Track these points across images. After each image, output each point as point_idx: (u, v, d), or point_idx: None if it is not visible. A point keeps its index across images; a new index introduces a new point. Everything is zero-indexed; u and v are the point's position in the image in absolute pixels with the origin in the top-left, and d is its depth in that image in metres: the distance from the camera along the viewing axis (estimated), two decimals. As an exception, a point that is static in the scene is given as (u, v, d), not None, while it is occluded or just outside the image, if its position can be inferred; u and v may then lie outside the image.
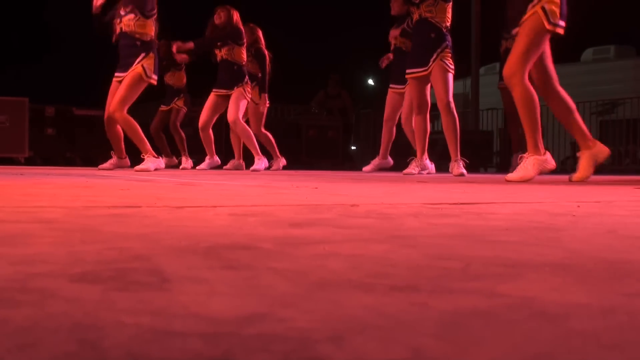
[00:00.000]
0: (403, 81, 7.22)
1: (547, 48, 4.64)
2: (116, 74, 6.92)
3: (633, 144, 13.73)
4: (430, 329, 0.55)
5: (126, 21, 6.82)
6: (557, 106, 4.78)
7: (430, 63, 6.53)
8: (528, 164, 4.52)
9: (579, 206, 2.07)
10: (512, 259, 0.94)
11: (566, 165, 14.60)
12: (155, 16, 6.94)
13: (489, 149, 14.55)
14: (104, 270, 0.80)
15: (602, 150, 4.75)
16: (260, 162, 8.32)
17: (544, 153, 4.58)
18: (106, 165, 7.20)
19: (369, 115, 15.12)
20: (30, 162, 10.79)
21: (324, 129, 13.11)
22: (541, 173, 4.58)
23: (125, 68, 6.83)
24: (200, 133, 8.47)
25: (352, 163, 13.76)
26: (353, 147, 15.45)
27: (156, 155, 7.01)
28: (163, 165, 7.21)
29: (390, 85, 7.74)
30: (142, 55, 6.76)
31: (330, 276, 0.79)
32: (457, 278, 0.79)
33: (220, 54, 8.26)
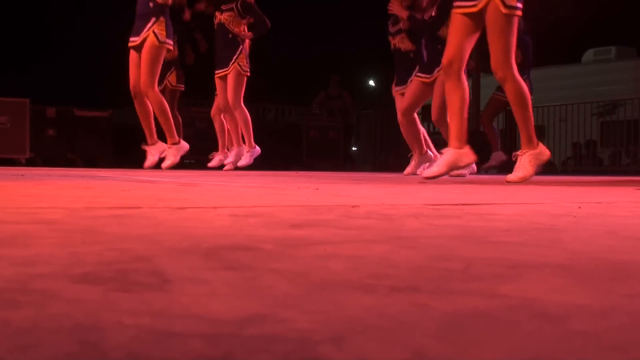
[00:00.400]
0: (404, 82, 7.18)
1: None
2: (130, 39, 6.70)
3: (634, 144, 13.73)
4: (431, 329, 0.55)
5: None
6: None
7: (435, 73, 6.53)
8: (525, 162, 4.50)
9: (579, 207, 2.07)
10: (513, 260, 0.94)
11: (567, 166, 14.60)
12: None
13: (489, 150, 14.54)
14: (105, 271, 0.80)
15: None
16: (251, 155, 7.94)
17: (537, 144, 4.55)
18: (148, 163, 6.90)
19: (369, 116, 15.13)
20: (31, 163, 10.80)
21: (324, 130, 13.12)
22: (539, 166, 4.55)
23: (137, 33, 6.62)
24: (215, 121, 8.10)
25: (353, 164, 13.77)
26: (354, 148, 15.46)
27: (178, 140, 6.79)
28: (187, 147, 6.97)
29: (394, 88, 7.61)
30: (153, 20, 6.54)
31: (331, 277, 0.79)
32: (458, 279, 0.79)
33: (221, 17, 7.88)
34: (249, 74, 7.90)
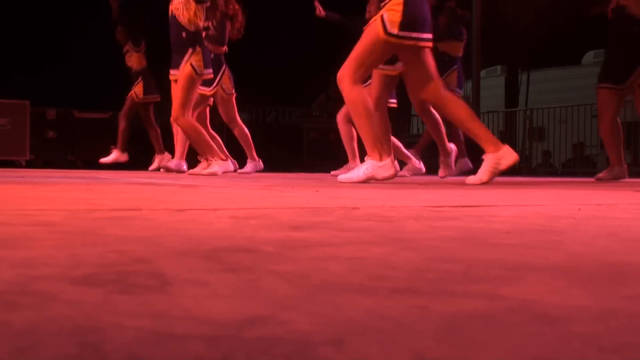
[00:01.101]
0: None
1: (429, 59, 4.48)
2: (170, 72, 6.48)
3: (634, 146, 13.72)
4: (431, 331, 0.55)
5: (176, 4, 6.26)
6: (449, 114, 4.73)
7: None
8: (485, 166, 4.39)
9: (580, 209, 2.07)
10: (513, 262, 0.94)
11: (567, 168, 14.60)
12: (208, 3, 6.34)
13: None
14: (105, 273, 0.80)
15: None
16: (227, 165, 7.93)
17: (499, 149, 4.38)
18: (197, 170, 6.53)
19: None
20: (31, 165, 10.80)
21: (325, 132, 13.11)
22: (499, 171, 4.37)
23: (175, 66, 6.37)
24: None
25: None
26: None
27: (224, 158, 6.48)
28: (231, 168, 6.64)
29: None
30: (190, 51, 6.24)
31: (331, 279, 0.79)
32: (458, 281, 0.79)
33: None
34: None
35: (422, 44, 4.38)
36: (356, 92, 4.34)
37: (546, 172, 14.15)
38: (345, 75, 4.34)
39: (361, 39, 4.40)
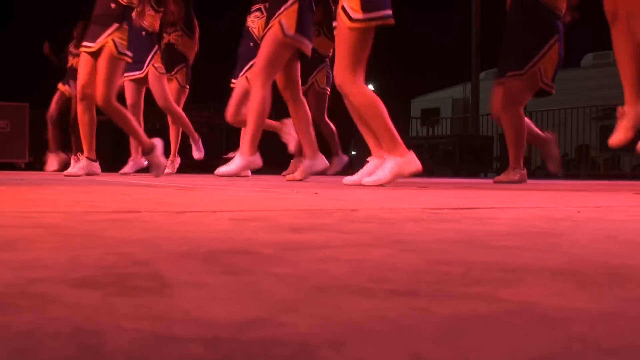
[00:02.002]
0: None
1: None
2: (83, 43, 5.83)
3: (633, 150, 13.73)
4: (430, 333, 0.55)
5: None
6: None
7: None
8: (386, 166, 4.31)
9: (579, 211, 2.07)
10: (513, 264, 0.94)
11: (567, 170, 14.60)
12: None
13: (489, 154, 14.55)
14: (104, 276, 0.80)
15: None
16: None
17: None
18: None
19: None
20: (30, 167, 10.80)
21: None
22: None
23: (93, 38, 5.72)
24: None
25: (352, 168, 13.76)
26: (353, 152, 15.45)
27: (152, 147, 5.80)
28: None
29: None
30: (115, 26, 5.65)
31: (330, 281, 0.79)
32: (458, 283, 0.79)
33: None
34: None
35: (390, 21, 4.32)
36: (362, 94, 4.31)
37: (545, 175, 14.16)
38: (344, 81, 4.30)
39: (337, 40, 4.39)
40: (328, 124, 7.99)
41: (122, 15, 5.68)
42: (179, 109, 7.83)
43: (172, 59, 8.05)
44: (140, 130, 5.98)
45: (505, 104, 5.67)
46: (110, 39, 5.62)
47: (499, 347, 0.52)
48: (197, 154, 8.07)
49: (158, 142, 5.89)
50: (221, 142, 10.51)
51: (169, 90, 7.69)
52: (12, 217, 1.62)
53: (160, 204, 2.18)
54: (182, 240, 1.16)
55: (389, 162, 4.22)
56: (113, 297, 0.68)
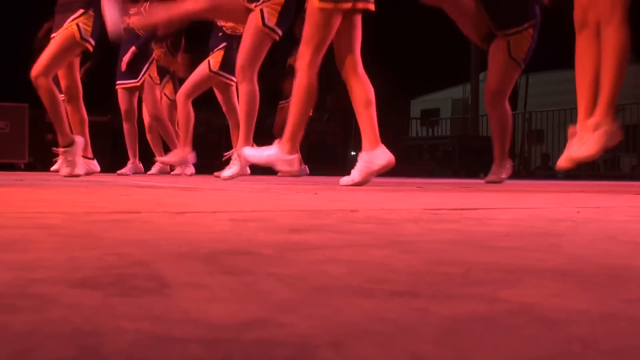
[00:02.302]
0: None
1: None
2: (52, 36, 5.60)
3: (633, 150, 13.74)
4: (430, 334, 0.55)
5: None
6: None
7: None
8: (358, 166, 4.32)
9: (578, 212, 2.07)
10: (512, 265, 0.94)
11: (567, 171, 14.61)
12: None
13: (488, 154, 14.54)
14: (104, 276, 0.80)
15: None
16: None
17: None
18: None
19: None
20: (30, 167, 10.80)
21: (324, 135, 13.12)
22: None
23: (59, 26, 5.49)
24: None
25: (352, 169, 13.76)
26: (353, 153, 15.46)
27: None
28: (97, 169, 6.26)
29: None
30: (80, 11, 5.43)
31: (330, 282, 0.79)
32: (457, 284, 0.79)
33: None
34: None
35: (358, 5, 4.30)
36: (307, 77, 4.33)
37: (545, 175, 14.16)
38: (301, 58, 4.35)
39: (305, 21, 4.38)
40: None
41: (89, 1, 5.48)
42: (168, 121, 7.91)
43: (157, 72, 8.22)
44: (66, 122, 5.74)
45: (495, 97, 5.64)
46: (74, 23, 5.41)
47: (499, 348, 0.52)
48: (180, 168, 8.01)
49: (79, 140, 5.69)
50: (220, 143, 10.50)
51: (159, 98, 7.78)
52: (12, 217, 1.62)
53: (160, 205, 2.18)
54: (182, 241, 1.16)
55: (360, 160, 4.25)
56: (113, 297, 0.68)
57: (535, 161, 15.83)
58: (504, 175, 5.79)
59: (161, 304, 0.65)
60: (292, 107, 4.42)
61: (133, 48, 7.76)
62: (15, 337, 0.52)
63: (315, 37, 4.29)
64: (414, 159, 14.50)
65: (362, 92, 4.29)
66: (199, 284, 0.76)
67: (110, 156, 11.31)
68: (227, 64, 6.53)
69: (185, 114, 6.63)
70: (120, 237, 1.22)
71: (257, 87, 5.47)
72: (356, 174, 4.23)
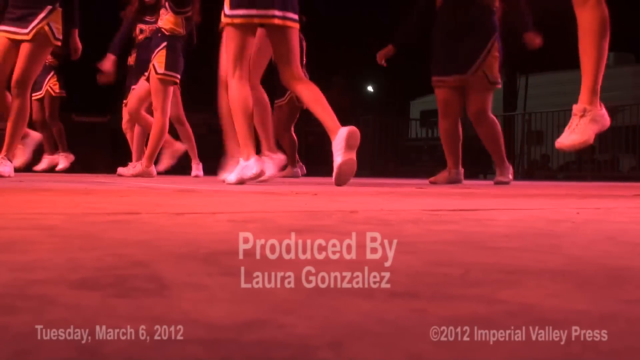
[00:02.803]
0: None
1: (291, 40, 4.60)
2: (13, 29, 5.20)
3: (632, 152, 13.73)
4: (429, 335, 0.55)
5: None
6: None
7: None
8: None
9: (578, 213, 2.07)
10: (512, 266, 0.94)
11: (566, 172, 14.61)
12: None
13: (488, 155, 14.53)
14: (103, 277, 0.80)
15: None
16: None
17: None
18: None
19: (367, 122, 15.13)
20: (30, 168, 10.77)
21: (323, 135, 13.11)
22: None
23: (23, 22, 5.13)
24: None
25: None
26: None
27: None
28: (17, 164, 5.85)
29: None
30: (48, 9, 5.13)
31: (329, 282, 0.79)
32: (457, 284, 0.79)
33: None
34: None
35: (253, 20, 4.36)
36: (236, 90, 4.42)
37: (545, 176, 14.16)
38: (228, 73, 4.45)
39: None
40: (292, 136, 8.20)
41: None
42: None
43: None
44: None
45: (479, 115, 5.78)
46: (45, 23, 5.11)
47: (498, 348, 0.52)
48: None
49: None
50: (221, 144, 10.50)
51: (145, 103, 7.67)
52: (12, 218, 1.62)
53: (160, 206, 2.17)
54: (181, 242, 1.16)
55: (239, 164, 4.40)
56: (112, 298, 0.68)
57: (535, 162, 15.82)
58: (510, 177, 5.90)
59: (161, 305, 0.65)
60: (234, 121, 4.54)
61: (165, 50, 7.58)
62: (14, 338, 0.52)
63: (230, 51, 4.43)
64: (414, 160, 14.49)
65: (309, 93, 4.49)
66: (198, 284, 0.76)
67: (109, 157, 11.33)
68: (172, 63, 6.56)
69: (147, 126, 6.74)
70: (120, 237, 1.22)
71: (249, 89, 5.41)
72: (233, 175, 4.40)
